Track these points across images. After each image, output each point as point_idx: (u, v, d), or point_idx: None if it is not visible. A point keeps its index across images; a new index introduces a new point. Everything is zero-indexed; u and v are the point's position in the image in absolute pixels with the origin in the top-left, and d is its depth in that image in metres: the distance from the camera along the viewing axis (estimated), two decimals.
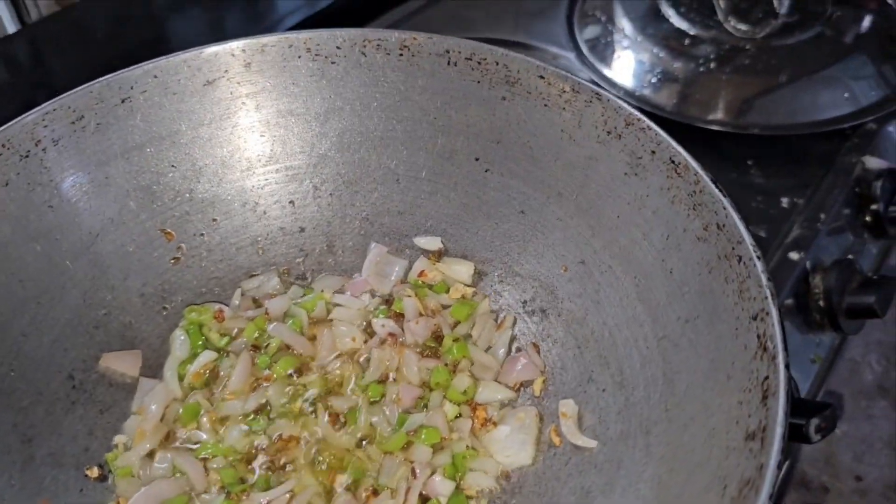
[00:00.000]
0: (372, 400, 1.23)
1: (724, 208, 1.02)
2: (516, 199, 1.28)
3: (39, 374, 1.17)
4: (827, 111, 1.56)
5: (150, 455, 1.17)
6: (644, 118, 1.14)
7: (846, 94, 1.56)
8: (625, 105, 1.16)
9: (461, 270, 1.32)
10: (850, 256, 1.51)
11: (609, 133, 1.17)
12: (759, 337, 0.93)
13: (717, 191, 1.04)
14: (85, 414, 1.19)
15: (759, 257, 0.97)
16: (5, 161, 1.17)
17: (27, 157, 1.20)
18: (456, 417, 1.21)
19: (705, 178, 1.06)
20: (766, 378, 0.90)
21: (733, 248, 1.00)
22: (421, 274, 1.33)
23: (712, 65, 1.67)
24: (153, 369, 1.26)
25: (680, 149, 1.09)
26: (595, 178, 1.19)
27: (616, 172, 1.17)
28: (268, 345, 1.28)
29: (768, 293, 0.94)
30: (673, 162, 1.10)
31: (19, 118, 1.18)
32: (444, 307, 1.30)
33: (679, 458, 0.98)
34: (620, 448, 1.07)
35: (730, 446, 0.90)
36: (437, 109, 1.31)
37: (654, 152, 1.12)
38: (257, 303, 1.33)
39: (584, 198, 1.21)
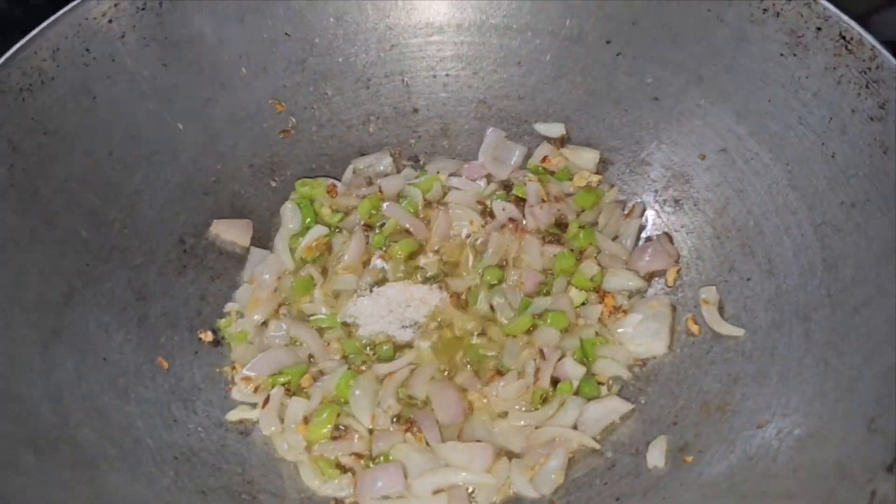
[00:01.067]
0: (490, 283, 1.16)
1: None
2: (650, 85, 1.20)
3: (152, 234, 1.13)
4: None
5: (264, 324, 1.13)
6: None
7: None
8: None
9: (586, 157, 1.25)
10: None
11: (765, 11, 1.09)
12: None
13: None
14: (196, 278, 1.15)
15: None
16: (122, 12, 1.11)
17: (144, 9, 1.13)
18: (582, 304, 1.14)
19: (884, 52, 0.98)
20: None
21: None
22: (544, 160, 1.25)
23: None
24: (262, 241, 1.21)
25: (853, 23, 1.01)
26: (744, 60, 1.11)
27: (770, 53, 1.09)
28: (382, 224, 1.21)
29: None
30: (843, 38, 1.02)
31: None
32: (568, 195, 1.23)
33: (850, 342, 0.92)
34: (773, 335, 1.01)
35: None
36: None
37: (819, 29, 1.04)
38: (369, 181, 1.25)
39: (729, 82, 1.13)
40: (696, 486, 0.93)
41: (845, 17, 1.02)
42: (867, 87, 0.99)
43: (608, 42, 1.22)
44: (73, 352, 1.00)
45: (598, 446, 1.02)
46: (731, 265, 1.09)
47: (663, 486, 0.95)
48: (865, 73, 0.99)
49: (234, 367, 1.10)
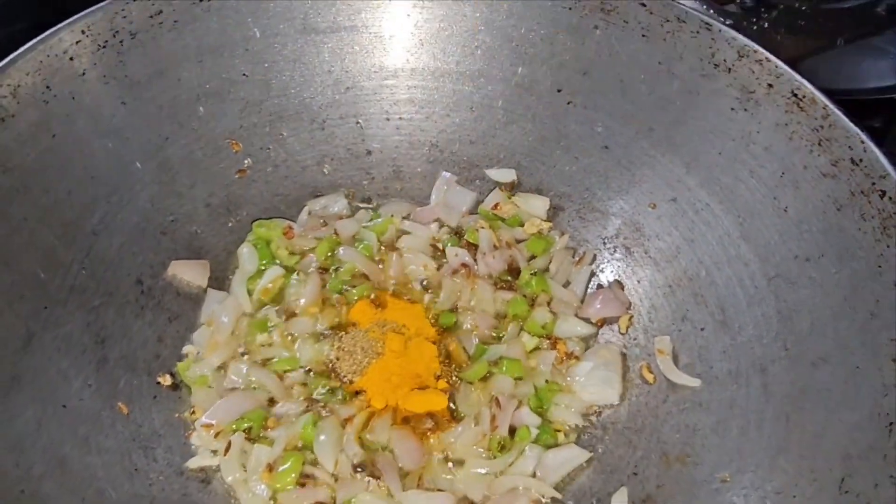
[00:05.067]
0: (444, 327, 1.10)
1: (862, 142, 0.92)
2: (600, 134, 1.16)
3: (109, 274, 1.05)
4: (878, 79, 1.46)
5: (223, 367, 1.06)
6: (761, 49, 1.03)
7: None
8: (739, 36, 1.05)
9: (537, 205, 1.20)
10: None
11: (717, 66, 1.05)
12: None
13: (852, 125, 0.93)
14: (154, 320, 1.07)
15: None
16: (84, 49, 1.03)
17: (105, 47, 1.05)
18: (534, 350, 1.08)
19: (837, 112, 0.95)
20: None
21: (874, 183, 0.90)
22: (495, 206, 1.20)
23: (764, 24, 1.56)
24: (219, 281, 1.14)
25: (804, 81, 0.99)
26: (694, 113, 1.08)
27: (721, 107, 1.06)
28: (338, 268, 1.14)
29: None
30: (795, 95, 0.99)
31: (100, 5, 1.04)
32: (519, 241, 1.17)
33: (811, 397, 0.88)
34: (731, 386, 0.97)
35: (887, 384, 0.81)
36: (521, 36, 1.18)
37: (771, 85, 1.01)
38: (324, 223, 1.18)
39: (679, 134, 1.10)
40: None
41: (797, 76, 0.99)
42: (819, 144, 0.96)
43: (559, 90, 1.17)
44: (33, 399, 0.92)
45: (559, 495, 0.97)
46: (683, 314, 1.05)
47: None
48: (818, 130, 0.96)
49: (193, 412, 1.02)
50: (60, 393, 0.95)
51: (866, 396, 0.82)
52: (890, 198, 0.88)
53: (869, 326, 0.86)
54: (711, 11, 1.45)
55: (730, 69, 1.04)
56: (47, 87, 1.01)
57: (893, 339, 0.83)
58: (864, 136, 0.92)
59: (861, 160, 0.92)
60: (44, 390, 0.94)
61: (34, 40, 1.00)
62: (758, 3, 1.54)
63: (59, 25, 1.02)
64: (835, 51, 1.47)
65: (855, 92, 1.41)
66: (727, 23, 1.45)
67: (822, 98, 0.97)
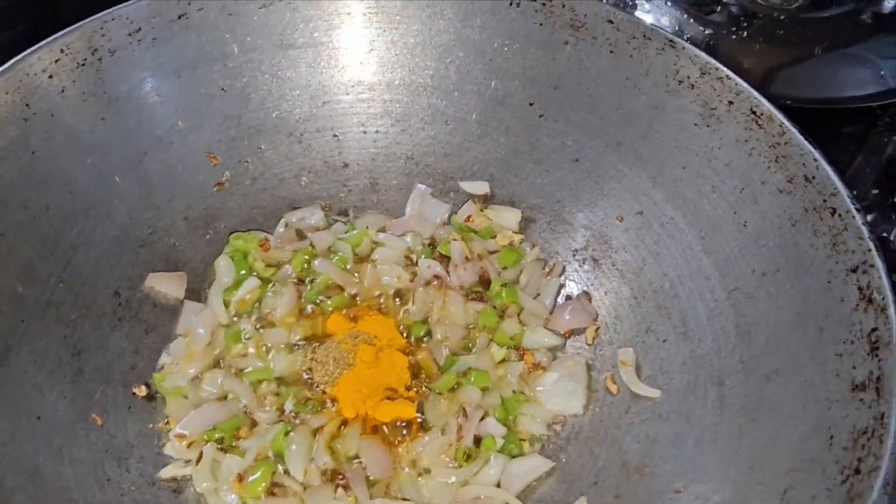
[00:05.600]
0: (416, 338, 1.13)
1: (815, 160, 0.94)
2: (571, 147, 1.18)
3: (87, 288, 1.07)
4: (858, 88, 1.47)
5: (198, 378, 1.08)
6: (723, 67, 1.05)
7: (881, 73, 1.48)
8: (701, 54, 1.06)
9: (509, 217, 1.22)
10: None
11: (681, 82, 1.07)
12: (860, 289, 0.85)
13: (806, 142, 0.95)
14: (130, 332, 1.09)
15: (858, 210, 0.88)
16: (63, 67, 1.06)
17: (84, 65, 1.08)
18: (502, 361, 1.10)
19: (792, 129, 0.97)
20: (875, 329, 0.81)
21: (825, 201, 0.92)
22: (468, 219, 1.22)
23: (744, 33, 1.57)
24: (196, 293, 1.16)
25: (763, 99, 1.01)
26: (659, 128, 1.10)
27: (684, 123, 1.07)
28: (313, 280, 1.16)
29: (871, 245, 0.86)
30: (754, 113, 1.01)
31: (79, 24, 1.07)
32: (491, 252, 1.20)
33: (763, 410, 0.90)
34: (689, 398, 0.98)
35: (831, 398, 0.83)
36: (494, 51, 1.20)
37: (731, 103, 1.03)
38: (300, 235, 1.21)
39: (645, 148, 1.12)
40: None
41: (756, 93, 1.01)
42: (776, 160, 0.98)
43: (531, 104, 1.19)
44: (7, 412, 0.94)
45: None
46: (647, 326, 1.07)
47: None
48: (775, 147, 0.98)
49: (167, 423, 1.04)
50: (35, 405, 0.97)
51: (812, 410, 0.84)
52: (839, 215, 0.90)
53: (817, 341, 0.88)
54: (693, 21, 1.47)
55: (693, 85, 1.07)
56: (26, 105, 1.03)
57: (839, 355, 0.84)
58: (816, 154, 0.94)
59: (814, 177, 0.94)
60: (18, 403, 0.95)
61: (12, 60, 1.02)
62: (739, 13, 1.56)
63: (38, 45, 1.04)
64: (814, 60, 1.48)
65: (834, 101, 1.43)
66: (707, 32, 1.48)
67: (778, 115, 0.98)
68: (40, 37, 1.04)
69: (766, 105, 1.00)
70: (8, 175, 1.01)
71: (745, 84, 1.02)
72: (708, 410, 0.95)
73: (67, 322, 1.04)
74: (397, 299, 1.17)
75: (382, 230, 1.23)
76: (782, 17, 1.51)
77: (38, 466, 0.93)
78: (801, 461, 0.81)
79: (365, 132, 1.25)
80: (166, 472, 1.00)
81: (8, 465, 0.90)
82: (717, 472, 0.89)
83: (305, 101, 1.23)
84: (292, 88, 1.23)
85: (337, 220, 1.24)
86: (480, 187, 1.24)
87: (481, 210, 1.22)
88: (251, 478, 0.99)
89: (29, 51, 1.03)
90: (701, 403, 0.97)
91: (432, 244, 1.21)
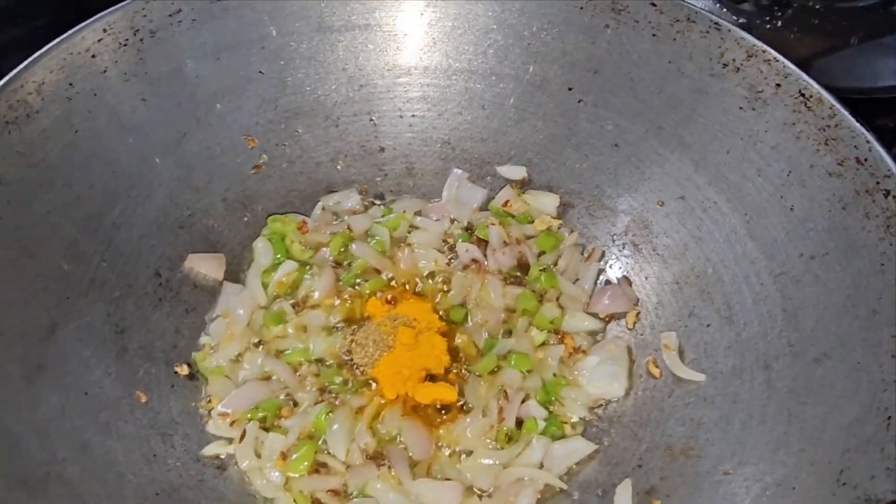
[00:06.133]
0: (454, 321, 1.12)
1: (868, 142, 0.93)
2: (610, 132, 1.17)
3: (129, 267, 1.07)
4: (893, 78, 1.46)
5: (238, 358, 1.08)
6: (770, 49, 1.03)
7: None
8: (748, 36, 1.05)
9: (547, 202, 1.21)
10: None
11: (725, 66, 1.06)
12: None
13: (858, 125, 0.94)
14: (171, 311, 1.09)
15: None
16: (105, 47, 1.06)
17: (125, 45, 1.07)
18: (542, 345, 1.10)
19: (843, 111, 0.96)
20: None
21: (878, 183, 0.91)
22: (505, 203, 1.21)
23: (778, 22, 1.56)
24: (234, 274, 1.15)
25: (812, 81, 0.99)
26: (703, 112, 1.09)
27: (729, 106, 1.06)
28: (350, 263, 1.16)
29: None
30: (803, 95, 1.00)
31: (121, 4, 1.06)
32: (528, 237, 1.19)
33: (812, 393, 0.89)
34: (735, 382, 0.98)
35: (886, 379, 0.81)
36: (532, 35, 1.19)
37: (779, 85, 1.02)
38: (338, 218, 1.20)
39: (687, 132, 1.10)
40: None
41: (805, 76, 1.00)
42: (826, 143, 0.97)
43: (570, 89, 1.18)
44: (56, 387, 0.95)
45: (564, 486, 0.99)
46: (690, 310, 1.06)
47: None
48: (824, 130, 0.97)
49: (209, 401, 1.05)
50: (82, 381, 0.97)
51: (866, 392, 0.83)
52: (894, 197, 0.89)
53: (870, 323, 0.87)
54: (725, 10, 1.46)
55: (738, 69, 1.05)
56: (70, 84, 1.03)
57: (894, 336, 0.84)
58: (869, 136, 0.93)
59: (866, 160, 0.93)
60: (67, 378, 0.96)
61: (57, 39, 1.02)
62: (772, 1, 1.55)
63: (82, 24, 1.04)
64: (848, 50, 1.47)
65: (868, 91, 1.41)
66: (740, 21, 1.46)
67: (829, 98, 0.97)
68: (63, 29, 1.04)
69: (816, 87, 0.99)
70: (53, 154, 1.01)
71: (793, 66, 1.01)
72: (755, 393, 0.95)
73: (111, 300, 1.04)
74: (435, 282, 1.15)
75: (419, 214, 1.23)
76: (817, 7, 1.49)
77: (88, 441, 0.93)
78: (857, 442, 0.80)
79: (401, 116, 1.24)
80: (209, 450, 1.01)
81: (59, 439, 0.91)
82: (766, 454, 0.88)
83: (342, 84, 1.22)
84: (329, 72, 1.22)
85: (373, 204, 1.22)
86: (517, 172, 1.23)
87: (519, 195, 1.21)
88: (294, 456, 0.99)
89: (73, 30, 1.03)
90: (748, 387, 0.96)
91: (469, 229, 1.20)
